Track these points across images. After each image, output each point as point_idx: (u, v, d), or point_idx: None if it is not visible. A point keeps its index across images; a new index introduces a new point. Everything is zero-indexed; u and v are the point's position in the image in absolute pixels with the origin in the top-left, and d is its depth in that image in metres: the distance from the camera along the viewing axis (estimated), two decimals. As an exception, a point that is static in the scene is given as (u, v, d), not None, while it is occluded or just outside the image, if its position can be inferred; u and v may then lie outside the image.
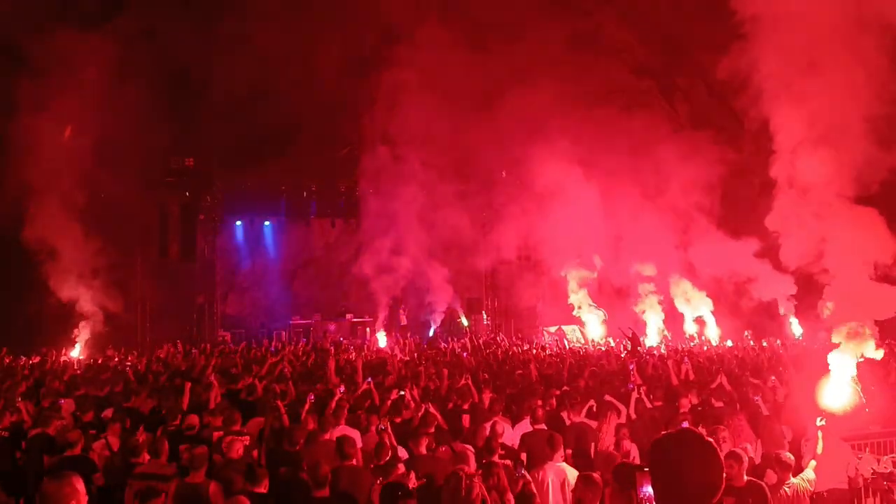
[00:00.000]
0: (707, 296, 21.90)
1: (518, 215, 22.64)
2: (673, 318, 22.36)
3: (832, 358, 7.67)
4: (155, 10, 20.36)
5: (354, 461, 6.41)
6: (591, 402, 8.81)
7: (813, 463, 6.25)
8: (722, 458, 2.50)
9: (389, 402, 9.03)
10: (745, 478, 5.68)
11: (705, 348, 17.84)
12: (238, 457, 6.76)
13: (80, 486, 3.38)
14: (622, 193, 21.17)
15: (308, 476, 5.82)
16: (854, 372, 7.64)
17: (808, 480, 5.99)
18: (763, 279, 19.84)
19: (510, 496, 5.57)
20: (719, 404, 8.96)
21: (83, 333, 19.72)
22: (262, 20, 20.95)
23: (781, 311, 20.66)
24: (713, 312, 21.84)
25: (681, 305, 22.39)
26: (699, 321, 22.08)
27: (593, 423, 8.36)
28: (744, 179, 19.87)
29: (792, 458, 6.38)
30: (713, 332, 21.28)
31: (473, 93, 20.74)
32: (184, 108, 20.30)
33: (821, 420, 6.73)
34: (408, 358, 15.19)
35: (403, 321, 24.44)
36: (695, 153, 20.38)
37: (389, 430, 7.49)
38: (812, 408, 7.53)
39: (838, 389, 7.48)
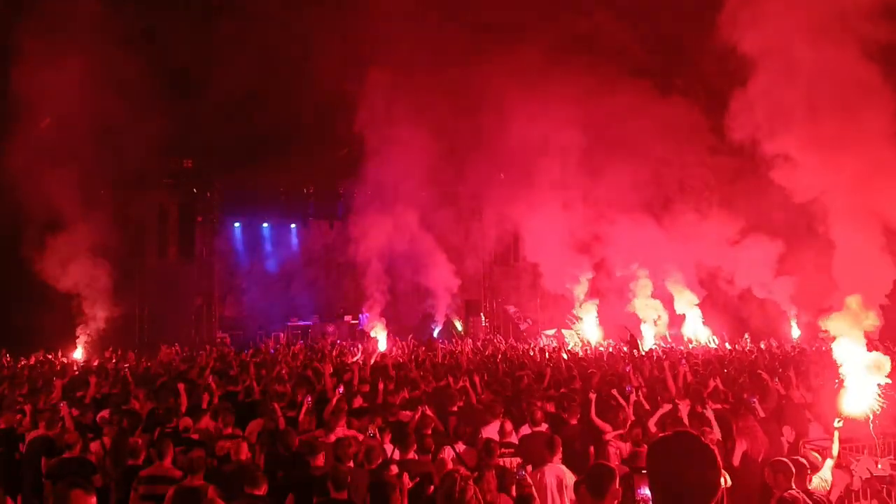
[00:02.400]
0: (696, 291, 21.67)
1: (513, 214, 22.61)
2: (670, 316, 22.22)
3: (859, 361, 7.61)
4: (154, 10, 20.34)
5: (351, 463, 6.41)
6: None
7: (829, 462, 6.26)
8: (720, 459, 2.49)
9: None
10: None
11: (692, 346, 17.83)
12: (246, 459, 6.77)
13: (90, 500, 3.33)
14: (611, 182, 20.90)
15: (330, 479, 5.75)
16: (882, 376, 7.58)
17: (824, 480, 5.99)
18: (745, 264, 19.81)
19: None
20: (717, 407, 8.91)
21: (82, 335, 19.70)
22: (262, 20, 20.93)
23: (791, 318, 20.59)
24: (700, 307, 21.63)
25: (673, 300, 22.22)
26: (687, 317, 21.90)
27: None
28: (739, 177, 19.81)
29: (818, 457, 6.36)
30: (702, 332, 21.09)
31: (471, 93, 20.71)
32: (182, 108, 20.26)
33: (838, 421, 6.73)
34: (402, 360, 15.19)
35: (363, 323, 23.51)
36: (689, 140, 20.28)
37: (378, 434, 7.49)
38: (824, 409, 7.51)
39: (860, 394, 7.43)
